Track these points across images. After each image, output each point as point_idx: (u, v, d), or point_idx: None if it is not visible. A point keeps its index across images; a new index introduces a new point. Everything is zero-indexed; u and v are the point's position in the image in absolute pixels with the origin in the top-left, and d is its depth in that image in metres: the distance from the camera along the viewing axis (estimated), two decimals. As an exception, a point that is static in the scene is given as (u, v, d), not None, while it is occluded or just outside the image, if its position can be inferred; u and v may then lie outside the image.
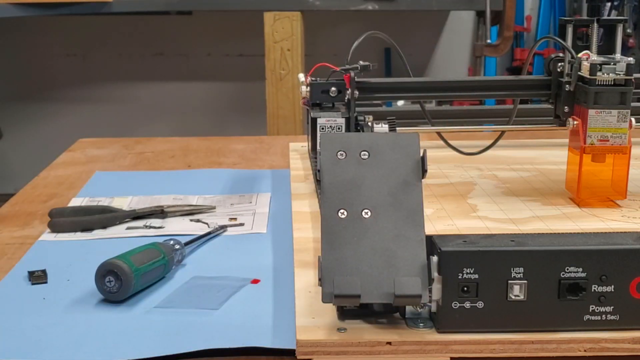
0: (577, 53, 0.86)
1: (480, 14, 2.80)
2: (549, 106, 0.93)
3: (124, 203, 0.97)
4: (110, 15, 2.98)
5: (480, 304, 0.57)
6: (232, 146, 1.32)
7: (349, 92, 0.90)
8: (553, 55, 0.92)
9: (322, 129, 0.91)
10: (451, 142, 1.01)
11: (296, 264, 0.71)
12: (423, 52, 3.32)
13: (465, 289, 0.57)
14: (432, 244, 0.58)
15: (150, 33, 3.35)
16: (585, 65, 0.84)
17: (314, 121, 0.92)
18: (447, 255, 0.56)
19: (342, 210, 0.59)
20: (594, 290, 0.57)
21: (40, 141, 3.37)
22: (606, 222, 0.80)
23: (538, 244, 0.57)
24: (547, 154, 1.09)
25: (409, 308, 0.59)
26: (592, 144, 0.82)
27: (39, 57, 3.37)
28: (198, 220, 0.90)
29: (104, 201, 0.97)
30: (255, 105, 2.96)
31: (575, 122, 0.85)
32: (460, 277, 0.56)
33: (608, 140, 0.82)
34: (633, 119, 0.83)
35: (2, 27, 3.14)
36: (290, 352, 0.58)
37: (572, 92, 0.86)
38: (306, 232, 0.80)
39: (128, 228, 0.88)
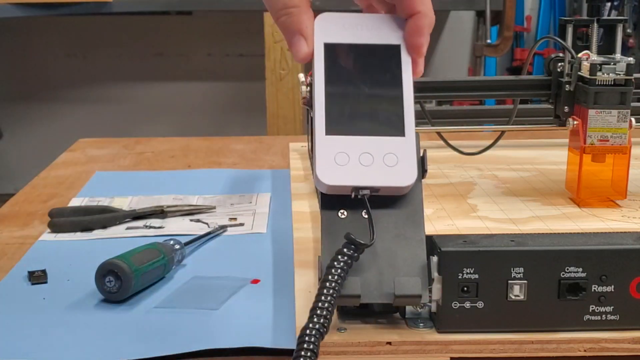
0: (577, 53, 0.86)
1: (480, 14, 2.80)
2: (549, 106, 0.93)
3: (124, 203, 0.97)
4: (110, 15, 2.99)
5: (480, 304, 0.57)
6: (232, 146, 1.32)
7: (349, 92, 0.90)
8: (553, 55, 0.92)
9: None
10: (451, 142, 1.01)
11: (296, 264, 0.71)
12: (423, 52, 3.32)
13: (465, 289, 0.57)
14: (432, 244, 0.58)
15: (150, 33, 3.35)
16: (585, 65, 0.84)
17: (313, 121, 0.92)
18: (447, 255, 0.56)
19: (342, 210, 0.59)
20: (594, 290, 0.57)
21: (40, 141, 3.37)
22: (606, 222, 0.80)
23: (538, 244, 0.57)
24: (547, 154, 1.09)
25: (409, 308, 0.59)
26: (592, 144, 0.82)
27: (39, 57, 3.37)
28: (198, 220, 0.90)
29: (104, 201, 0.97)
30: (255, 105, 2.96)
31: (575, 122, 0.85)
32: (460, 277, 0.56)
33: (608, 140, 0.82)
34: (633, 119, 0.83)
35: (2, 27, 3.14)
36: (290, 352, 0.57)
37: (572, 92, 0.86)
38: (306, 232, 0.80)
39: (128, 228, 0.88)
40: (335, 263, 0.54)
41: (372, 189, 0.57)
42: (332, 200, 0.59)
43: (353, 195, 0.57)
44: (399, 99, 0.59)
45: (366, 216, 0.58)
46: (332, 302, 0.53)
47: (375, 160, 0.57)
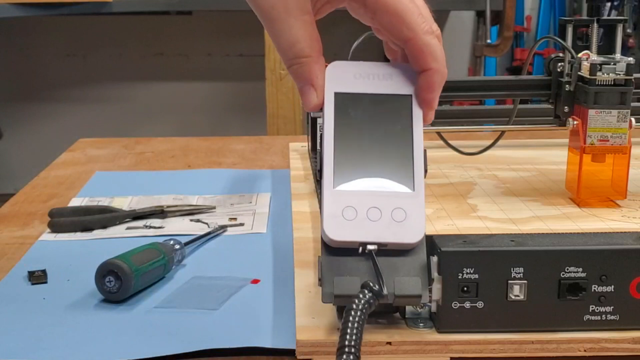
0: (577, 53, 0.86)
1: (480, 14, 2.80)
2: (549, 106, 0.93)
3: (124, 203, 0.97)
4: (110, 15, 2.98)
5: (480, 304, 0.57)
6: (232, 146, 1.32)
7: (349, 92, 0.90)
8: (553, 55, 0.92)
9: (322, 129, 0.91)
10: (451, 142, 1.01)
11: (296, 264, 0.71)
12: (423, 52, 3.31)
13: (465, 289, 0.57)
14: (432, 244, 0.58)
15: (150, 33, 3.35)
16: (585, 65, 0.84)
17: (314, 121, 0.92)
18: (447, 255, 0.56)
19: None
20: (594, 290, 0.57)
21: (40, 141, 3.37)
22: (606, 222, 0.80)
23: (538, 244, 0.57)
24: (547, 154, 1.09)
25: (409, 308, 0.59)
26: (592, 144, 0.82)
27: (39, 57, 3.37)
28: (198, 220, 0.90)
29: (104, 201, 0.97)
30: (255, 105, 2.96)
31: (575, 122, 0.85)
32: (460, 277, 0.56)
33: (608, 140, 0.82)
34: (633, 119, 0.83)
35: (2, 27, 3.14)
36: (290, 352, 0.58)
37: (572, 92, 0.86)
38: (306, 232, 0.80)
39: (128, 228, 0.88)
40: (354, 305, 0.52)
41: (379, 244, 0.55)
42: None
43: (360, 250, 0.56)
44: (409, 152, 0.58)
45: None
46: (359, 341, 0.51)
47: (384, 216, 0.56)
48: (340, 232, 0.56)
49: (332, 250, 0.57)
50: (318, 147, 0.67)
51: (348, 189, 0.57)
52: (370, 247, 0.55)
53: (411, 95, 0.60)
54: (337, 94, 0.60)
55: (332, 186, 0.57)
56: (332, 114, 0.59)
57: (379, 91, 0.60)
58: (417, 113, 0.59)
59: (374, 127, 0.59)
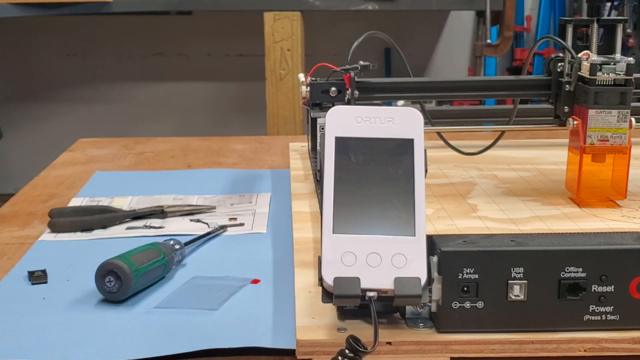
0: (577, 53, 0.86)
1: (480, 14, 2.80)
2: (549, 106, 0.93)
3: (124, 203, 0.97)
4: (110, 15, 2.99)
5: (480, 304, 0.57)
6: (232, 146, 1.32)
7: (349, 92, 0.90)
8: (553, 55, 0.92)
9: (322, 129, 0.91)
10: (451, 142, 1.01)
11: (296, 264, 0.71)
12: (423, 52, 3.32)
13: (465, 289, 0.57)
14: (432, 244, 0.58)
15: (150, 33, 3.35)
16: (585, 65, 0.84)
17: (314, 121, 0.92)
18: (447, 255, 0.56)
19: None
20: (594, 290, 0.57)
21: (40, 141, 3.37)
22: (606, 222, 0.80)
23: (538, 244, 0.57)
24: (547, 154, 1.09)
25: (409, 308, 0.59)
26: (592, 144, 0.82)
27: (39, 57, 3.37)
28: (198, 220, 0.90)
29: (104, 201, 0.97)
30: (255, 105, 2.96)
31: (575, 122, 0.85)
32: (460, 277, 0.56)
33: (608, 140, 0.82)
34: (633, 119, 0.83)
35: (2, 27, 3.14)
36: (290, 352, 0.58)
37: (572, 92, 0.86)
38: (306, 232, 0.80)
39: (128, 228, 0.88)
40: None
41: (379, 291, 0.55)
42: None
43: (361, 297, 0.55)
44: (410, 196, 0.57)
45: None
46: None
47: (384, 261, 0.55)
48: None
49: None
50: (318, 147, 0.67)
51: (347, 233, 0.56)
52: (369, 294, 0.54)
53: (413, 139, 0.59)
54: (337, 138, 0.59)
55: (332, 231, 0.56)
56: (332, 158, 0.58)
57: (380, 135, 0.59)
58: (419, 156, 0.59)
59: (375, 171, 0.58)
